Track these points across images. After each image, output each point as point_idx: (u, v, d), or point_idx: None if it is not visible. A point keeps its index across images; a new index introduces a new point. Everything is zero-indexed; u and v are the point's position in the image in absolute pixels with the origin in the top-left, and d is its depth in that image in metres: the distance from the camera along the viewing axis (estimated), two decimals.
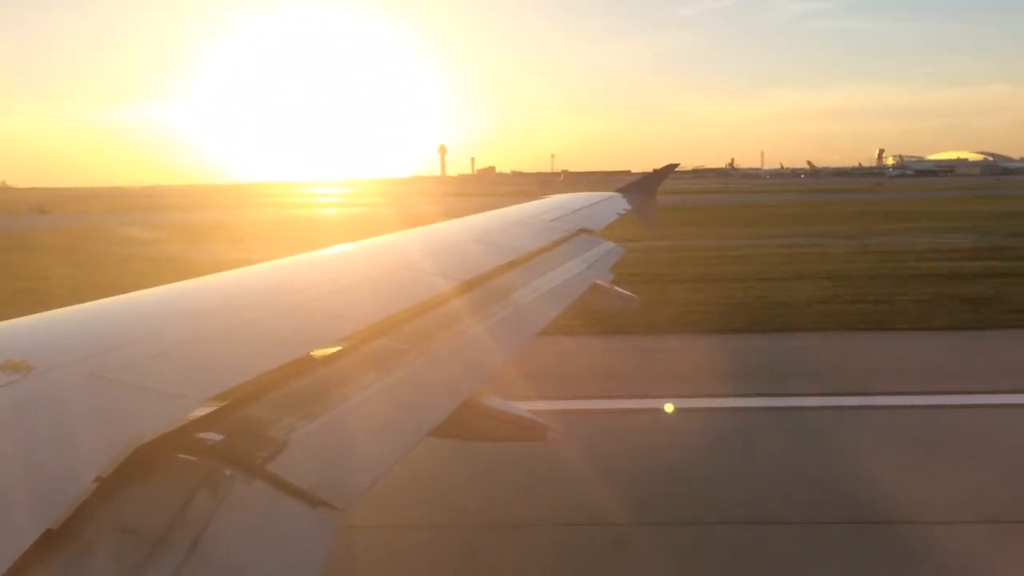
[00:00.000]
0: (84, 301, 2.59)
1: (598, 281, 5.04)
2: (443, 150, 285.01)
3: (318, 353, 2.40)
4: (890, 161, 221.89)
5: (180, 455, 1.70)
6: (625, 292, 5.44)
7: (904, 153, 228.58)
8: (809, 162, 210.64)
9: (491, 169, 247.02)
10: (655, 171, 11.21)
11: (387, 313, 2.86)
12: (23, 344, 2.06)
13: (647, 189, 10.33)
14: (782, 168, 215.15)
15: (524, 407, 2.99)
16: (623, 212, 8.62)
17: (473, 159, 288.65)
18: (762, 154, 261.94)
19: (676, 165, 11.67)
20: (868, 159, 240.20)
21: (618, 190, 10.29)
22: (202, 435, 1.81)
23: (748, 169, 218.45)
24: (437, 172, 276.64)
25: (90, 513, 1.41)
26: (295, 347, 2.32)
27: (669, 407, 7.86)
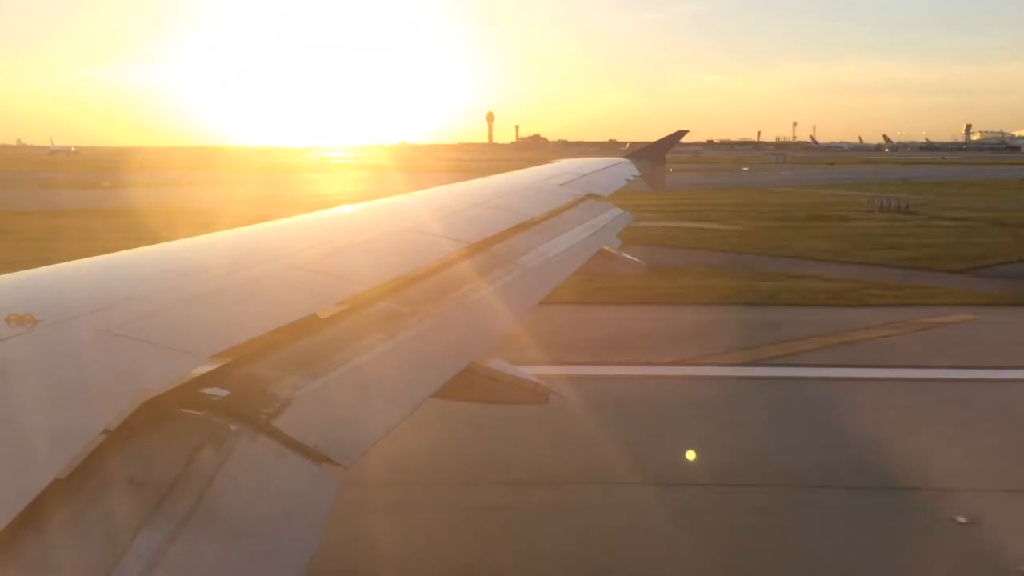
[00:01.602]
0: None
1: (605, 247, 5.03)
2: (491, 117, 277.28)
3: (324, 313, 2.40)
4: (976, 136, 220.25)
5: (186, 410, 1.71)
6: (632, 258, 5.43)
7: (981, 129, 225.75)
8: (886, 136, 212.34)
9: (538, 137, 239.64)
10: (664, 138, 11.13)
11: (393, 275, 2.85)
12: (27, 297, 2.06)
13: (656, 156, 10.29)
14: (861, 142, 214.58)
15: (528, 371, 3.00)
16: (631, 178, 8.58)
17: (517, 127, 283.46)
18: (814, 128, 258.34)
19: (685, 132, 11.56)
20: (936, 135, 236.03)
21: (626, 156, 10.25)
22: (208, 391, 1.82)
23: (828, 143, 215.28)
24: (484, 139, 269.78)
25: (97, 464, 1.42)
26: (301, 306, 2.32)
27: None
